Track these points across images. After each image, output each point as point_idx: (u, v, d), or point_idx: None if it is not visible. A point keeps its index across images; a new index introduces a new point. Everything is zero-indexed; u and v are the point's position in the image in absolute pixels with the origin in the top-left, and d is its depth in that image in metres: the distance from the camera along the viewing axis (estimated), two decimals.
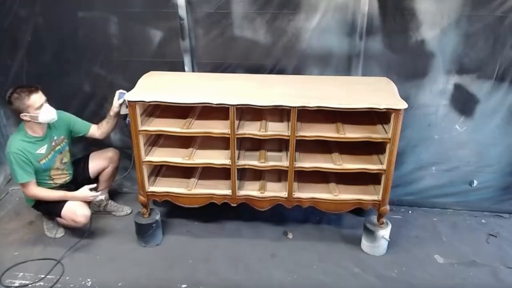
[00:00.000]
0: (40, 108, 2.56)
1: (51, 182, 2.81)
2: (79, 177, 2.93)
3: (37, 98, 2.56)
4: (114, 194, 3.29)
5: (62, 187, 2.86)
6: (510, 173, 3.08)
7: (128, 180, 3.36)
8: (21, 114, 2.57)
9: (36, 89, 2.58)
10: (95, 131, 2.88)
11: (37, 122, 2.60)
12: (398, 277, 2.60)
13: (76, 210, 2.72)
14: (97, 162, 2.97)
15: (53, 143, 2.75)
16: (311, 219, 3.07)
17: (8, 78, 3.19)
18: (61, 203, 2.73)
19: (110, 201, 3.16)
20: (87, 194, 2.74)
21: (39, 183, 2.72)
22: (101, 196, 3.00)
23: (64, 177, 2.88)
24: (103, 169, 2.99)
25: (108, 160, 2.97)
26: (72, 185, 2.91)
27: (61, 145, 2.81)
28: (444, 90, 2.89)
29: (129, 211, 3.15)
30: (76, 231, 2.88)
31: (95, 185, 2.84)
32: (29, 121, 2.59)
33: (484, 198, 3.17)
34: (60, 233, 2.92)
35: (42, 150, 2.69)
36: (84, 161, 2.98)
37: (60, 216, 2.76)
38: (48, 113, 2.60)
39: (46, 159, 2.72)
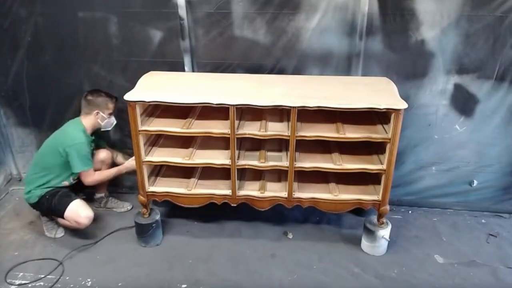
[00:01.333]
0: (111, 115, 2.88)
1: (67, 182, 2.87)
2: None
3: (113, 108, 2.88)
4: (114, 194, 3.29)
5: (72, 186, 2.92)
6: (510, 173, 3.08)
7: (128, 180, 3.36)
8: (95, 111, 2.81)
9: (116, 100, 2.87)
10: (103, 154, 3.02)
11: (97, 124, 2.87)
12: (398, 277, 2.60)
13: (79, 211, 2.73)
14: None
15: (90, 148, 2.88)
16: (311, 219, 3.07)
17: (8, 78, 3.19)
18: (64, 204, 2.74)
19: (110, 197, 3.19)
20: (134, 164, 2.76)
21: (53, 183, 2.81)
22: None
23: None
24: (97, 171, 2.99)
25: (99, 163, 2.99)
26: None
27: None
28: (444, 90, 2.89)
29: (129, 207, 3.19)
30: (78, 232, 2.88)
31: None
32: (95, 120, 2.83)
33: (484, 198, 3.17)
34: (60, 233, 2.92)
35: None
36: None
37: (63, 217, 2.77)
38: (111, 123, 2.93)
39: None
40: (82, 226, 2.76)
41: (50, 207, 2.78)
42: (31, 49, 3.07)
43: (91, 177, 2.84)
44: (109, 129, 2.97)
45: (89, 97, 2.82)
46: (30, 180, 2.84)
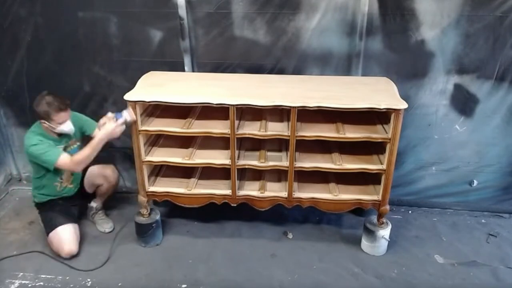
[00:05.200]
0: (62, 124, 2.55)
1: (58, 184, 2.76)
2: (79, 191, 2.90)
3: (63, 116, 2.53)
4: (108, 211, 3.16)
5: (67, 197, 2.84)
6: (510, 173, 3.08)
7: (128, 180, 3.36)
8: (41, 120, 2.54)
9: (66, 107, 2.54)
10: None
11: (52, 129, 2.58)
12: (398, 277, 2.60)
13: (63, 243, 2.67)
14: (93, 179, 2.92)
15: (66, 145, 2.71)
16: (311, 219, 3.07)
17: (8, 78, 3.19)
18: (50, 226, 2.70)
19: (100, 211, 3.02)
20: (112, 127, 2.46)
21: (47, 185, 2.72)
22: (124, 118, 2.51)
23: (69, 184, 2.82)
24: (98, 186, 2.94)
25: (103, 178, 2.90)
26: (76, 197, 2.91)
27: (72, 147, 2.74)
28: (444, 90, 2.89)
29: (107, 230, 2.96)
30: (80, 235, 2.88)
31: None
32: (46, 127, 2.57)
33: (484, 198, 3.17)
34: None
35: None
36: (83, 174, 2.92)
37: (47, 235, 2.72)
38: (66, 128, 2.58)
39: None
40: (62, 256, 2.69)
41: (42, 219, 2.78)
42: (31, 49, 3.07)
43: (71, 162, 2.54)
44: (69, 132, 2.63)
45: (34, 105, 2.51)
46: (32, 181, 2.81)
